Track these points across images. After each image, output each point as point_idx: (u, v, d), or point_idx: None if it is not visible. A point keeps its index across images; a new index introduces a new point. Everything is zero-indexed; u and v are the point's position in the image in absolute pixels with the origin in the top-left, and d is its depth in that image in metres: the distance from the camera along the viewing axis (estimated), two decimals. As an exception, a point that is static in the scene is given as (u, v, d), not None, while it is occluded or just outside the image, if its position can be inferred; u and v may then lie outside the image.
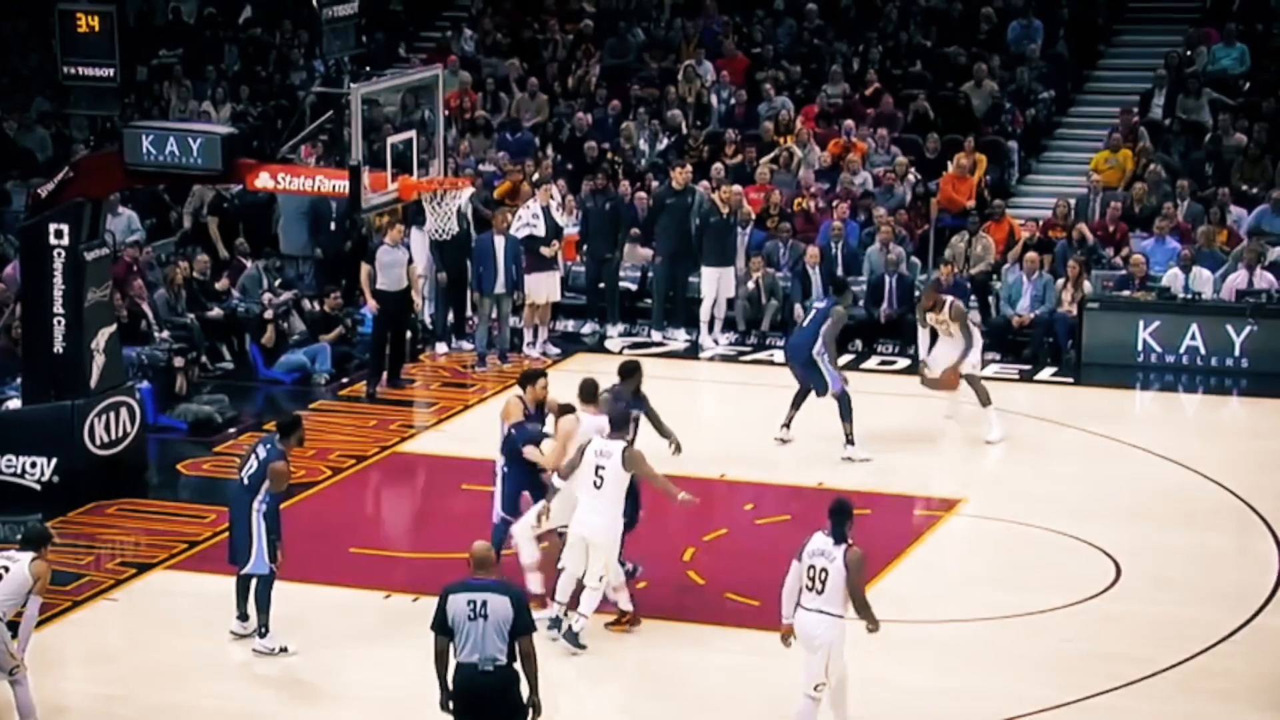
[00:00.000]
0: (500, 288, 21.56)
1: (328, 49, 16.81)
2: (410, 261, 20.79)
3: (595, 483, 13.43)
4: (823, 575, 11.72)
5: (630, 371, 15.07)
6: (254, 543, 13.50)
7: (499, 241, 21.53)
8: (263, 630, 13.64)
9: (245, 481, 13.59)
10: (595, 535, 13.47)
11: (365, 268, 20.74)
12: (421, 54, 29.23)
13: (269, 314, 21.35)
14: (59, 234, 16.63)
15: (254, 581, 13.61)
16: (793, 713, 12.01)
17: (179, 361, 19.82)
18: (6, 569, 12.10)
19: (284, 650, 13.62)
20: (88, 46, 16.58)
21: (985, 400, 18.77)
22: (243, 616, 13.81)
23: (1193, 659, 13.60)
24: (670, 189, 22.88)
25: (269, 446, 13.62)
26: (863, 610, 11.90)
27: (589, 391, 14.47)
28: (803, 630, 11.90)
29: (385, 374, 20.60)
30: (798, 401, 18.41)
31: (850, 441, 17.98)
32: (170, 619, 14.43)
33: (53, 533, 12.83)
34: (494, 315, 21.82)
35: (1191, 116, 25.19)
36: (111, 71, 16.53)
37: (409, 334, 21.33)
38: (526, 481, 14.32)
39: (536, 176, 23.67)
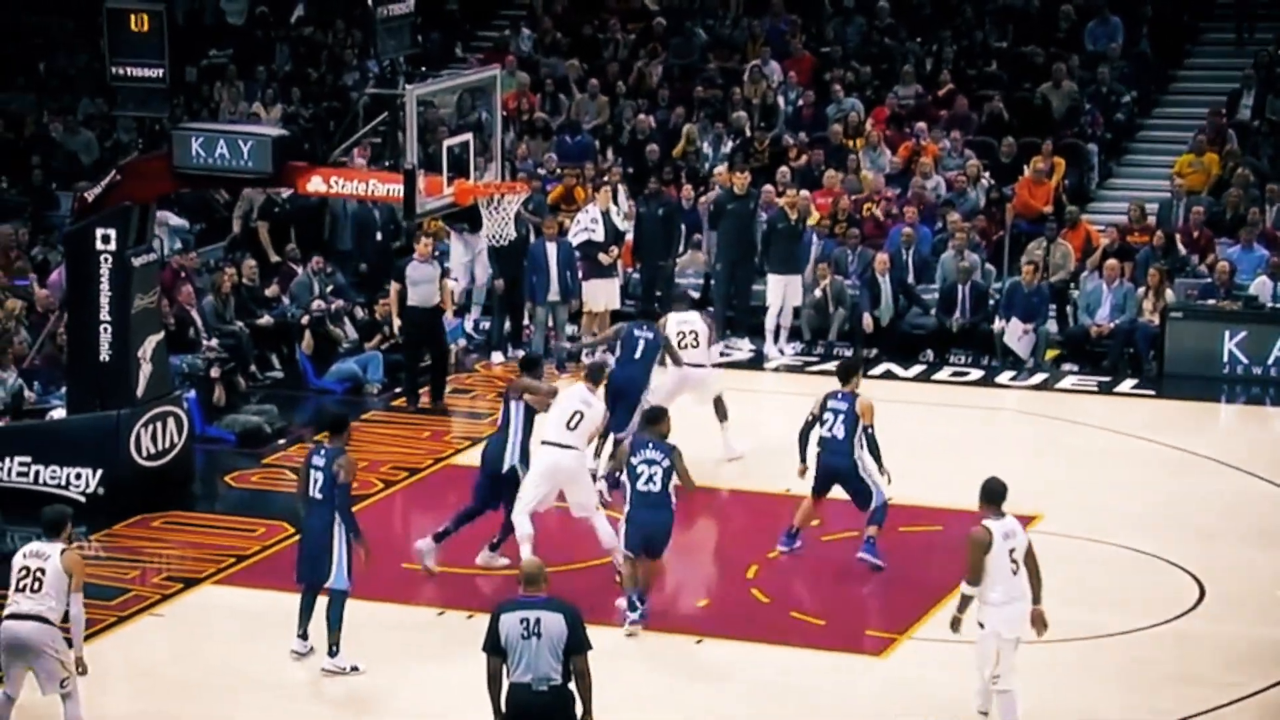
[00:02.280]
0: (554, 295, 21.58)
1: (382, 49, 16.85)
2: (443, 276, 20.73)
3: (1012, 569, 12.22)
4: None
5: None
6: (335, 557, 13.48)
7: (551, 248, 21.56)
8: (334, 649, 13.62)
9: (318, 496, 13.54)
10: (1024, 627, 12.34)
11: (394, 285, 20.59)
12: (478, 54, 29.33)
13: (305, 319, 21.41)
14: (106, 239, 16.76)
15: (330, 597, 13.57)
16: None
17: (215, 372, 19.90)
18: (43, 571, 11.90)
19: (355, 670, 13.63)
20: (137, 46, 16.67)
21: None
22: (304, 635, 13.82)
23: (1280, 684, 13.51)
24: (731, 194, 22.88)
25: (324, 452, 13.67)
26: None
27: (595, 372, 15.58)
28: None
29: (429, 392, 20.43)
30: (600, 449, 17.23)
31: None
32: (216, 635, 14.52)
33: (70, 510, 12.58)
34: (550, 323, 21.84)
35: (1282, 118, 25.05)
36: (161, 72, 16.62)
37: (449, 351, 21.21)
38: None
39: (605, 180, 23.63)
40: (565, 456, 14.98)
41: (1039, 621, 12.34)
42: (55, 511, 12.42)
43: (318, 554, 13.55)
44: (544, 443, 15.12)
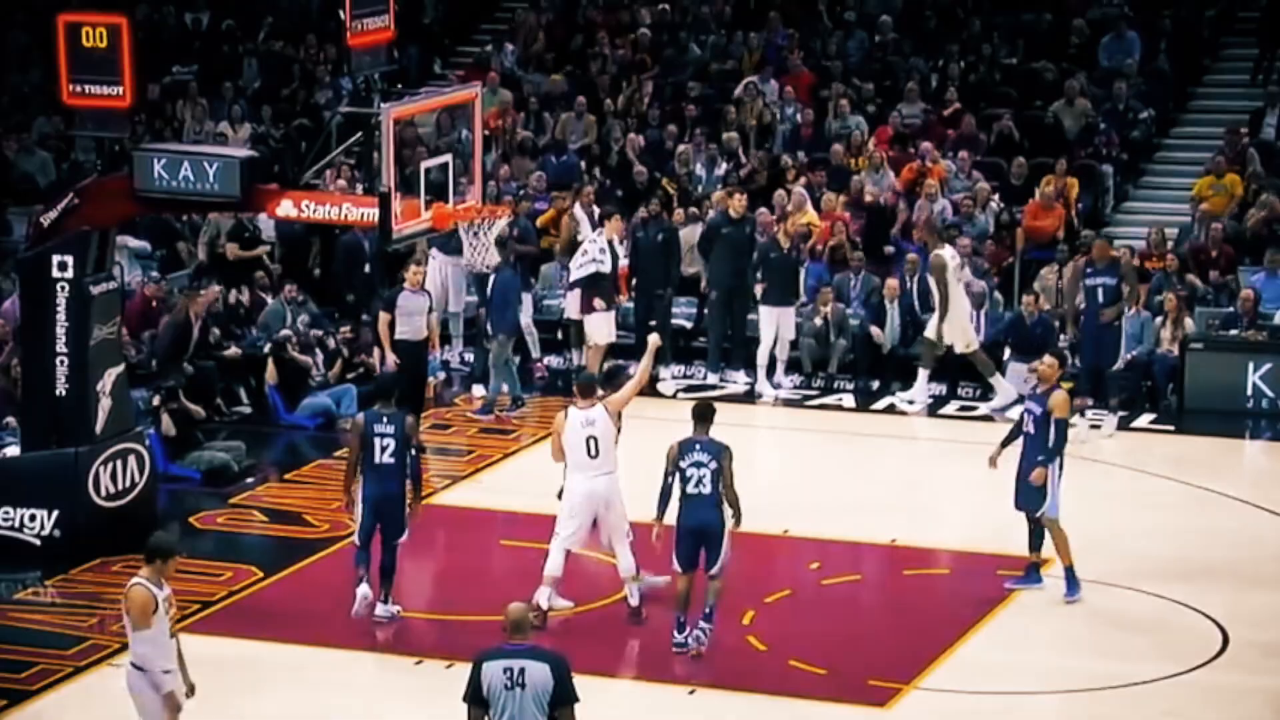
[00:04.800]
0: (496, 328, 21.40)
1: (356, 65, 16.90)
2: (430, 310, 20.66)
3: None
4: None
5: None
6: (407, 514, 15.12)
7: (491, 280, 21.36)
8: (388, 597, 15.16)
9: (389, 461, 14.95)
10: None
11: (384, 316, 20.28)
12: (458, 70, 29.40)
13: (267, 348, 21.37)
14: (63, 266, 16.74)
15: (391, 550, 15.08)
16: None
17: (156, 400, 19.75)
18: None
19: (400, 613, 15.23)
20: (95, 63, 16.69)
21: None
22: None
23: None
24: (726, 218, 22.84)
25: (388, 419, 15.02)
26: None
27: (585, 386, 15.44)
28: None
29: None
30: None
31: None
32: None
33: (173, 545, 12.11)
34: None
35: (1307, 137, 25.13)
36: (120, 90, 16.64)
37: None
38: None
39: (597, 210, 23.44)
40: (598, 483, 15.18)
41: None
42: (155, 539, 12.08)
43: (399, 515, 15.07)
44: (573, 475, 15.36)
